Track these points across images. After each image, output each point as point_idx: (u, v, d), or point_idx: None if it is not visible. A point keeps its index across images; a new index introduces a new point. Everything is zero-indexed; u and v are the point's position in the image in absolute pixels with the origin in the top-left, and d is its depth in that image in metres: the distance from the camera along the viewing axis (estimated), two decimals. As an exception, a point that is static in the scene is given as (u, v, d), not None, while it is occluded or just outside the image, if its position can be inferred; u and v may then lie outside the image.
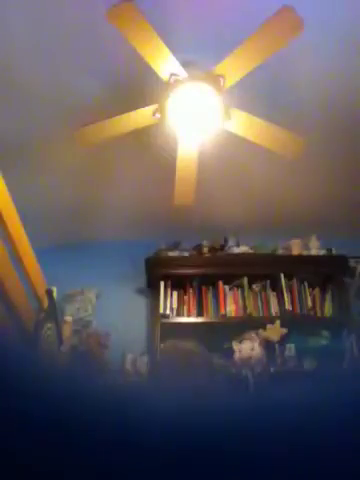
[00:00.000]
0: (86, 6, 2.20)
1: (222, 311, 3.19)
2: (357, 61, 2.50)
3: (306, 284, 3.31)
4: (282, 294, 3.22)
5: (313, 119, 2.80)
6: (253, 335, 3.00)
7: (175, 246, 3.54)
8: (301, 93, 2.66)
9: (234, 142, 2.58)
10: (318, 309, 3.24)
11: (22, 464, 0.47)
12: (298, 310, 3.19)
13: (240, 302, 3.25)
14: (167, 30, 2.05)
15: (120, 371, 2.95)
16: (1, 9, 2.18)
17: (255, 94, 2.55)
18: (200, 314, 3.22)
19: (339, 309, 3.21)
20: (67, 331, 2.91)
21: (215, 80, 2.19)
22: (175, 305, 3.22)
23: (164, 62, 2.09)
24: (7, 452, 0.47)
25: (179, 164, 2.56)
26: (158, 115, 2.34)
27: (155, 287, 3.29)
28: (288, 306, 3.17)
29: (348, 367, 2.82)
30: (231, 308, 3.22)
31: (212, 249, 3.49)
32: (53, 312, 2.55)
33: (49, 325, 2.46)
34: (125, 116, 2.35)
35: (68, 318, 3.08)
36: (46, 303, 2.50)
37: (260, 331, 3.03)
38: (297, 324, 3.12)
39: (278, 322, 3.07)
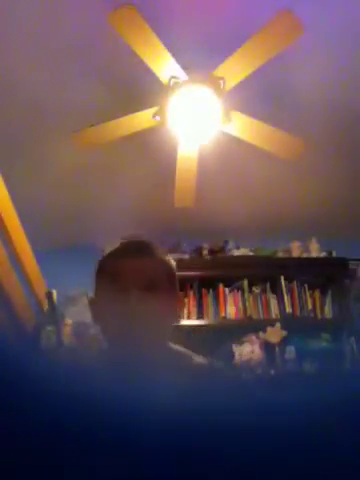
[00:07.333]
0: (87, 9, 2.21)
1: (222, 313, 3.18)
2: (357, 62, 2.51)
3: (306, 286, 3.31)
4: (282, 296, 3.22)
5: (313, 121, 2.80)
6: (253, 337, 3.00)
7: (175, 248, 3.53)
8: (301, 95, 2.66)
9: (234, 144, 2.58)
10: (318, 311, 3.24)
11: (22, 464, 0.47)
12: (298, 312, 3.19)
13: (240, 304, 3.25)
14: (167, 33, 2.05)
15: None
16: (4, 9, 2.19)
17: (255, 96, 2.55)
18: (200, 316, 3.21)
19: (339, 311, 3.20)
20: (67, 333, 2.90)
21: (215, 83, 2.19)
22: (175, 307, 3.21)
23: (164, 65, 2.09)
24: (7, 452, 0.47)
25: (179, 166, 2.56)
26: (158, 117, 2.34)
27: (155, 289, 3.28)
28: (288, 308, 3.17)
29: (348, 369, 2.82)
30: (231, 310, 3.22)
31: (212, 251, 3.49)
32: (53, 314, 2.55)
33: (49, 327, 2.45)
34: (125, 118, 2.35)
35: (68, 320, 3.07)
36: (46, 305, 2.50)
37: (260, 333, 3.03)
38: (297, 326, 3.11)
39: (278, 324, 3.06)
